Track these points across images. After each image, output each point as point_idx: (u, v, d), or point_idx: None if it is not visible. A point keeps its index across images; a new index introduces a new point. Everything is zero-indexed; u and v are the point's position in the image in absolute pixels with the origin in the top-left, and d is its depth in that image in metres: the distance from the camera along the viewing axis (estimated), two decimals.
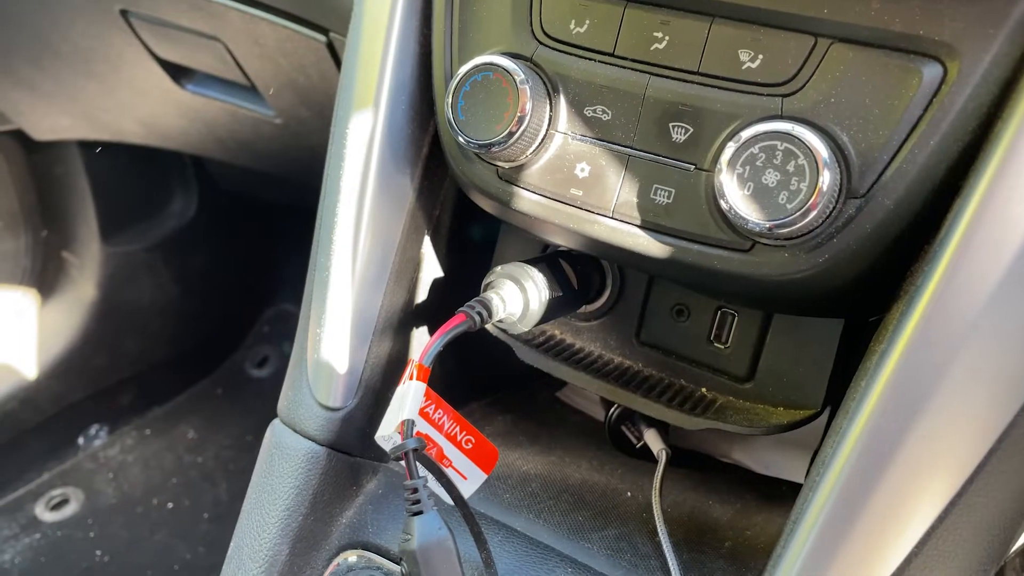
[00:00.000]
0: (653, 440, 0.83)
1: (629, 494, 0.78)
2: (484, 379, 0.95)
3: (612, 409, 0.87)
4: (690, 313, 0.73)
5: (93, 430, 2.05)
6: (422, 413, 0.65)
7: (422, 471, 0.59)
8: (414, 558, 0.55)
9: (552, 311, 0.70)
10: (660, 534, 0.69)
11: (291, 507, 0.67)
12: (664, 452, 0.80)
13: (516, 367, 0.98)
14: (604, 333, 0.77)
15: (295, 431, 0.70)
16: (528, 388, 1.00)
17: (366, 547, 0.69)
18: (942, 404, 0.50)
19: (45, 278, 2.03)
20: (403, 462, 0.58)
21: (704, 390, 0.73)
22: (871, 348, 0.55)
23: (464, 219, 0.76)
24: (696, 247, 0.57)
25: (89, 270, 2.05)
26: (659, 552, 0.68)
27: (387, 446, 0.60)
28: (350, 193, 0.68)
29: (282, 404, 0.73)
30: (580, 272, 0.73)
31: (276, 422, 0.73)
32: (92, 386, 2.05)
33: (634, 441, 0.87)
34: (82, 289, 2.05)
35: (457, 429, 0.67)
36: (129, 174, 2.02)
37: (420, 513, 0.56)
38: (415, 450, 0.58)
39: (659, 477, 0.75)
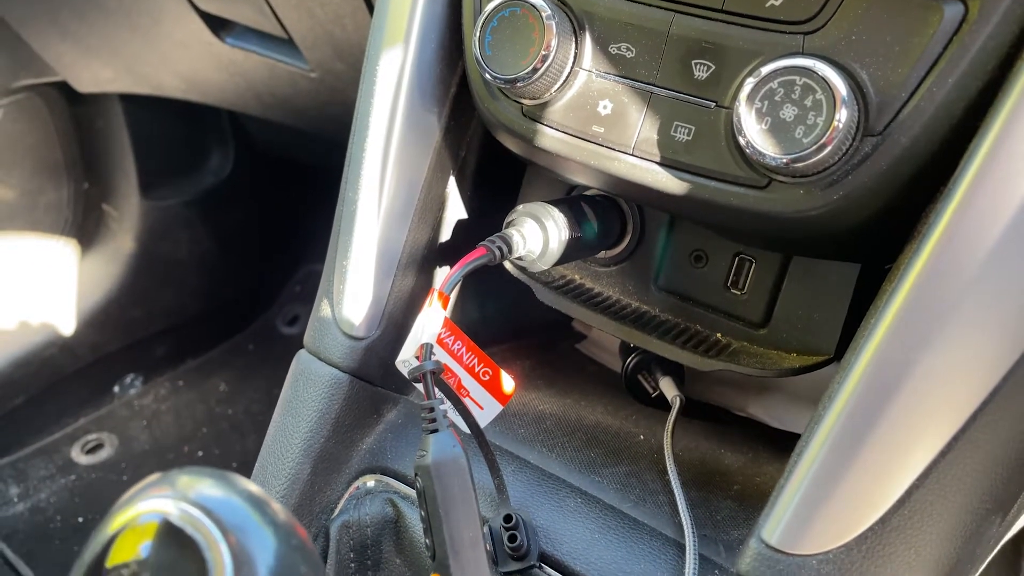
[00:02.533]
0: (668, 387, 0.84)
1: (642, 437, 0.80)
2: (505, 329, 0.97)
3: (629, 358, 0.89)
4: (708, 259, 0.74)
5: (128, 379, 2.12)
6: (441, 343, 0.67)
7: (439, 395, 0.61)
8: (428, 473, 0.57)
9: (571, 252, 0.71)
10: (670, 472, 0.70)
11: (314, 429, 0.70)
12: (678, 398, 0.81)
13: (537, 317, 1.00)
14: (623, 278, 0.78)
15: (320, 359, 0.73)
16: (548, 339, 1.02)
17: (384, 472, 0.72)
18: (948, 340, 0.51)
19: (86, 230, 2.09)
20: (421, 384, 0.61)
21: (719, 335, 0.74)
22: (883, 288, 0.56)
23: (490, 162, 0.78)
24: (714, 184, 0.58)
25: (128, 223, 2.10)
26: (668, 488, 0.70)
27: (406, 370, 0.62)
28: (378, 129, 0.70)
29: (308, 334, 0.76)
30: (601, 216, 0.74)
31: (302, 351, 0.76)
32: (128, 337, 2.11)
33: (650, 390, 0.88)
34: (121, 241, 2.10)
35: (475, 361, 0.69)
36: (168, 130, 2.06)
37: (436, 431, 0.59)
38: (432, 372, 0.60)
39: (672, 420, 0.77)
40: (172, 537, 0.34)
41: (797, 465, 0.55)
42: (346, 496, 0.72)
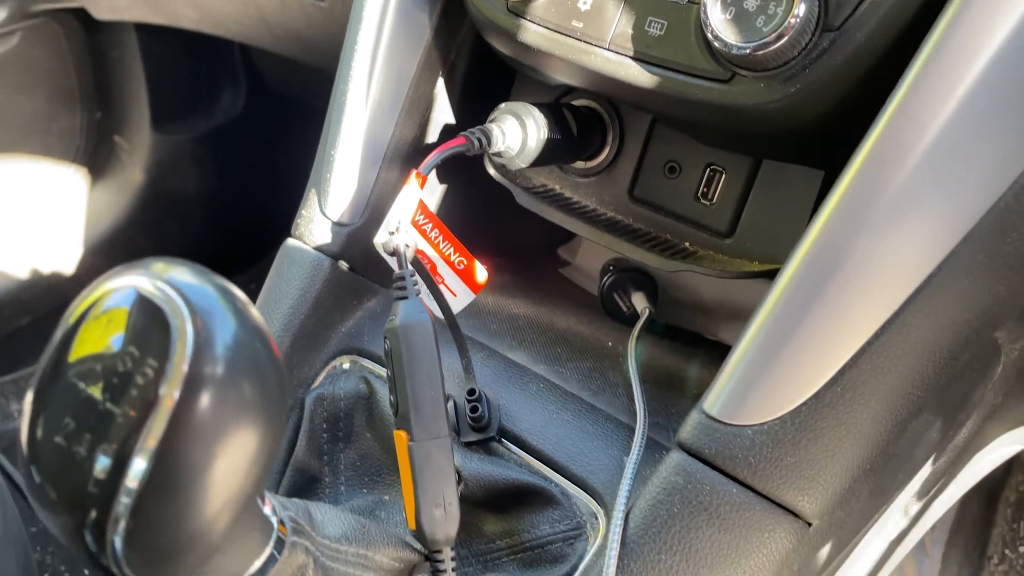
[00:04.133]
0: (639, 300, 0.87)
1: (610, 344, 0.83)
2: (490, 251, 1.00)
3: (605, 277, 0.92)
4: (681, 170, 0.77)
5: None
6: (420, 229, 0.70)
7: (412, 270, 0.65)
8: (396, 334, 0.61)
9: (549, 154, 0.74)
10: (631, 370, 0.73)
11: (295, 307, 0.74)
12: (648, 310, 0.85)
13: (522, 242, 1.03)
14: (600, 189, 0.81)
15: (304, 243, 0.76)
16: (532, 261, 1.05)
17: (360, 353, 0.76)
18: (885, 229, 0.54)
19: (96, 159, 2.12)
20: (395, 257, 0.64)
21: (687, 244, 0.77)
22: (834, 185, 0.59)
23: (480, 69, 0.81)
24: (682, 78, 0.61)
25: (138, 155, 2.13)
26: (627, 383, 0.73)
27: (382, 246, 0.66)
28: (370, 23, 0.73)
29: (295, 223, 0.79)
30: (581, 123, 0.77)
31: (288, 239, 0.79)
32: None
33: (624, 308, 0.92)
34: (130, 173, 2.14)
35: (451, 249, 0.72)
36: (182, 66, 2.09)
37: (405, 298, 0.62)
38: (406, 244, 0.64)
39: (639, 326, 0.81)
40: (141, 310, 0.38)
41: (740, 344, 0.58)
42: (323, 374, 0.76)
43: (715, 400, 0.59)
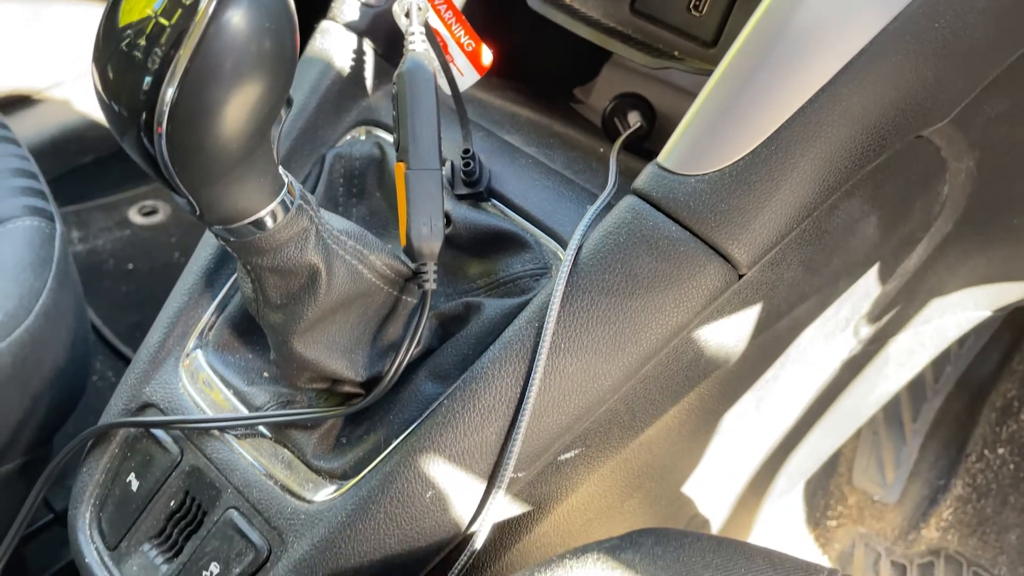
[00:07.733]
0: (634, 116, 0.96)
1: (602, 150, 0.92)
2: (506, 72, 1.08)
3: (607, 104, 1.01)
4: None
5: None
6: (435, 9, 0.80)
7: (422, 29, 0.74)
8: (402, 78, 0.71)
9: None
10: (611, 160, 0.83)
11: (323, 73, 0.84)
12: (640, 124, 0.94)
13: (538, 72, 1.11)
14: (606, 1, 0.89)
15: (336, 22, 0.86)
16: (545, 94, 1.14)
17: (377, 124, 0.86)
18: (823, 2, 0.62)
19: None
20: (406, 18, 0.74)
21: (676, 52, 0.85)
22: None
23: None
24: None
25: None
26: (607, 170, 0.83)
27: (399, 11, 0.76)
28: None
29: (331, 7, 0.89)
30: None
31: (323, 20, 0.89)
32: None
33: (622, 131, 1.00)
34: None
35: (462, 32, 0.82)
36: None
37: (413, 51, 0.72)
38: (419, 8, 0.73)
39: (628, 133, 0.90)
40: None
41: (693, 106, 0.67)
42: (342, 140, 0.87)
43: (668, 154, 0.68)
